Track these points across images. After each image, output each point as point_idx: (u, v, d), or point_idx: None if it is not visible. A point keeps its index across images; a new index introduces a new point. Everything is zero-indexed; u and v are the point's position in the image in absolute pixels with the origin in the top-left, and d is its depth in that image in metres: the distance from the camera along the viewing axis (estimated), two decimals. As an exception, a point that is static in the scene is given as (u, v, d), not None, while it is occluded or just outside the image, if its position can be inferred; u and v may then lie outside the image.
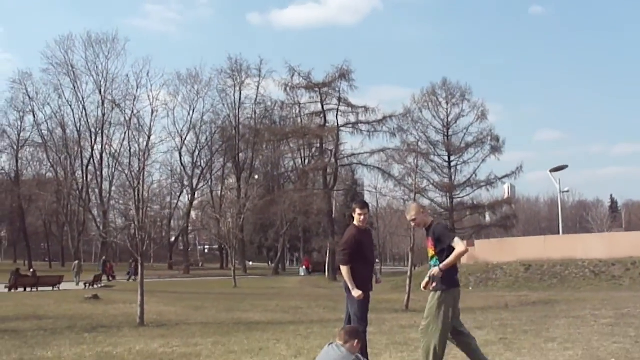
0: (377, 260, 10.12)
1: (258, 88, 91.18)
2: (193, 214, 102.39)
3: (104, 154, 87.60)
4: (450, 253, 8.62)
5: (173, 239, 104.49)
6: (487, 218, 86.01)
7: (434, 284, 8.78)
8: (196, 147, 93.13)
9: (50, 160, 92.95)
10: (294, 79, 73.00)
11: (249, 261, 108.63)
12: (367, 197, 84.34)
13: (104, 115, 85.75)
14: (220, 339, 14.81)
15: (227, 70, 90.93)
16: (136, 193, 20.82)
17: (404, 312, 23.67)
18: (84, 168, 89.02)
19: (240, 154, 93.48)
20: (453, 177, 78.41)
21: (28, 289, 42.60)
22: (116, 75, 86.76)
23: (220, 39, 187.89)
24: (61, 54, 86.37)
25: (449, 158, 78.53)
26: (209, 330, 17.27)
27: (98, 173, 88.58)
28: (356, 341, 7.73)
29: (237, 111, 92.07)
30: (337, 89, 71.66)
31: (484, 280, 43.14)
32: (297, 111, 78.36)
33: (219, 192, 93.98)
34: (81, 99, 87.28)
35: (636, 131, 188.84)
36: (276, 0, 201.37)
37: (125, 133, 79.49)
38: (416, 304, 26.98)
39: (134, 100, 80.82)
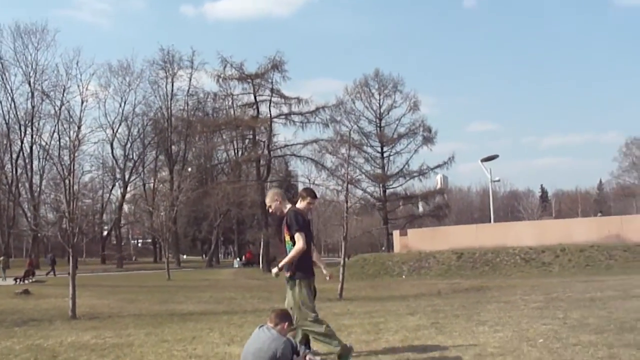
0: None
1: (190, 79, 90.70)
2: (126, 207, 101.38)
3: (34, 147, 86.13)
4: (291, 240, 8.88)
5: (105, 232, 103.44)
6: (420, 208, 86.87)
7: (288, 273, 8.88)
8: (128, 139, 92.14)
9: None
10: (226, 70, 72.80)
11: (183, 254, 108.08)
12: (300, 188, 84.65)
13: (33, 107, 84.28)
14: (154, 329, 14.78)
15: (159, 61, 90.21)
16: (66, 185, 20.60)
17: (338, 300, 23.79)
18: (14, 161, 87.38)
19: (173, 146, 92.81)
20: (386, 168, 79.28)
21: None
22: (46, 66, 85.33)
23: (153, 31, 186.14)
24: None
25: (382, 149, 79.32)
26: (142, 321, 17.20)
27: (28, 166, 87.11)
28: (286, 323, 7.75)
29: (169, 103, 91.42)
30: (269, 80, 71.70)
31: (417, 269, 43.59)
32: (230, 103, 78.23)
33: (152, 185, 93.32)
34: (9, 91, 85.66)
35: (566, 123, 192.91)
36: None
37: (55, 125, 78.59)
38: (349, 293, 27.30)
39: (64, 92, 79.82)
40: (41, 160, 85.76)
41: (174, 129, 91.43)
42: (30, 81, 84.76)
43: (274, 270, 8.92)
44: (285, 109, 72.81)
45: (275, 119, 72.52)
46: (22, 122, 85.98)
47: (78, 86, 74.09)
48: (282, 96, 72.06)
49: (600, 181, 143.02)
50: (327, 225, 70.51)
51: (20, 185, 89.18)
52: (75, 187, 22.75)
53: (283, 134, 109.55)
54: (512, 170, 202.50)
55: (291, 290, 8.95)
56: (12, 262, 75.29)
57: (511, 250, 42.77)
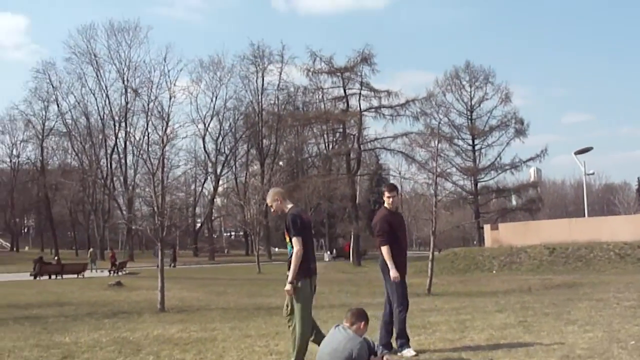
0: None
1: (280, 74, 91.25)
2: (218, 200, 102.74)
3: (127, 142, 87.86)
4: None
5: (198, 225, 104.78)
6: (513, 202, 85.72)
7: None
8: (220, 134, 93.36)
9: (75, 149, 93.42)
10: (315, 64, 72.80)
11: (275, 247, 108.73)
12: (392, 182, 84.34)
13: (127, 103, 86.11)
14: (239, 323, 14.81)
15: (250, 56, 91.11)
16: (155, 179, 20.83)
17: (426, 296, 23.50)
18: (108, 156, 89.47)
19: (264, 140, 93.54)
20: (477, 161, 78.28)
21: (53, 277, 42.94)
22: (138, 63, 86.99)
23: (244, 27, 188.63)
24: (84, 43, 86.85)
25: (473, 141, 78.37)
26: (228, 315, 17.28)
27: (122, 161, 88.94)
28: (363, 323, 7.58)
29: (260, 97, 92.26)
30: (359, 74, 71.39)
31: (507, 264, 42.85)
32: (320, 96, 78.11)
33: (243, 179, 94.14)
34: (104, 88, 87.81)
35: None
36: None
37: (146, 120, 79.95)
38: (438, 288, 26.99)
39: (156, 88, 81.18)
40: (135, 154, 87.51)
41: (265, 123, 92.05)
42: (123, 78, 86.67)
43: (287, 287, 8.69)
44: (375, 102, 72.49)
45: (365, 112, 72.28)
46: (116, 118, 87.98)
47: (165, 82, 75.41)
48: (371, 89, 71.72)
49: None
50: (417, 219, 69.89)
51: (115, 179, 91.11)
52: (166, 181, 23.02)
53: (373, 127, 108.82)
54: (608, 163, 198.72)
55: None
56: (107, 253, 77.02)
57: (605, 245, 41.66)
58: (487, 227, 55.62)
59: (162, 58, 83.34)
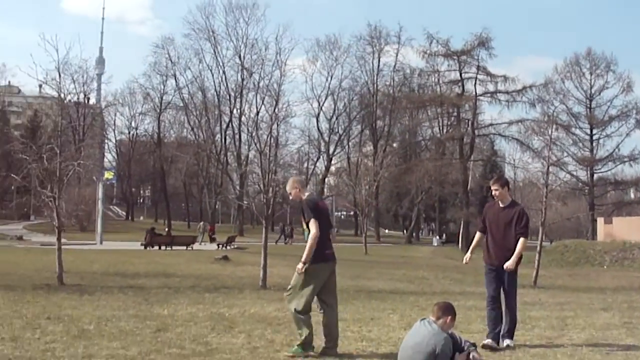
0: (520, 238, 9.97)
1: (397, 55, 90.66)
2: (330, 179, 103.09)
3: (242, 118, 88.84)
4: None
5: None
6: (631, 195, 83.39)
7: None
8: (334, 113, 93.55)
9: (191, 123, 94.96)
10: (432, 46, 72.33)
11: (385, 229, 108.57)
12: (506, 169, 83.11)
13: (243, 80, 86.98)
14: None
15: (367, 37, 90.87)
16: (262, 157, 20.94)
17: (531, 288, 22.97)
18: (223, 131, 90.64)
19: (378, 121, 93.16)
20: (594, 151, 76.24)
21: (162, 248, 43.78)
22: (255, 40, 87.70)
23: (361, 7, 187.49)
24: (202, 19, 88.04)
25: (591, 131, 76.48)
26: (328, 296, 17.19)
27: (236, 137, 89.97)
28: (449, 318, 7.34)
29: (375, 78, 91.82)
30: (475, 57, 70.64)
31: (619, 260, 41.64)
32: (435, 79, 77.56)
33: (356, 159, 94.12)
34: (221, 64, 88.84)
35: None
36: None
37: (262, 98, 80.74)
38: (545, 280, 26.42)
39: (272, 66, 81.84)
40: (250, 131, 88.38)
41: (380, 104, 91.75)
42: (240, 55, 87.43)
43: (299, 266, 8.88)
44: (491, 87, 71.67)
45: (480, 97, 71.47)
46: (232, 94, 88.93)
47: (277, 61, 76.07)
48: (488, 74, 70.83)
49: None
50: (527, 208, 68.68)
51: (229, 154, 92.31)
52: (278, 159, 23.08)
53: (488, 112, 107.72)
54: None
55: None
56: (218, 227, 78.30)
57: None
58: (600, 221, 54.26)
59: (278, 36, 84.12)
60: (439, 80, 77.02)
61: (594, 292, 21.90)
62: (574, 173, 76.65)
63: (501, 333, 9.97)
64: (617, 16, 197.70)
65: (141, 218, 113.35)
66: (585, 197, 78.66)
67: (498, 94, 70.83)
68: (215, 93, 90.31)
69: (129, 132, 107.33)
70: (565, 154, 73.19)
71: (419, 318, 7.58)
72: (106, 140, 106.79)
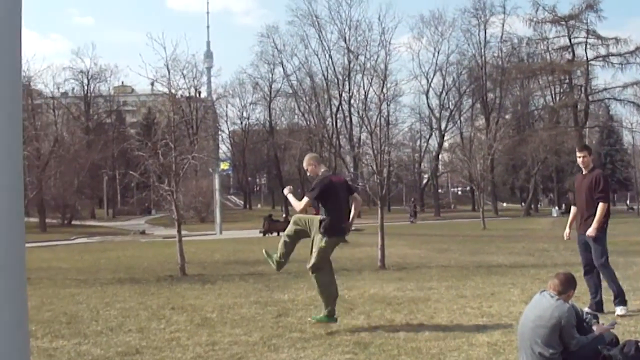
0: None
1: (503, 25, 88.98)
2: (445, 156, 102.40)
3: (352, 100, 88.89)
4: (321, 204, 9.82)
5: (425, 182, 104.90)
6: None
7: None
8: (443, 89, 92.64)
9: (301, 109, 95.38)
10: (538, 13, 70.91)
11: (502, 202, 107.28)
12: (623, 134, 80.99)
13: (349, 62, 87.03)
14: (456, 282, 14.65)
15: (471, 9, 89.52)
16: (373, 137, 20.93)
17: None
18: (333, 115, 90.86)
19: (488, 94, 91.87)
20: None
21: (281, 234, 44.18)
22: (359, 22, 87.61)
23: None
24: (305, 5, 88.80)
25: None
26: (447, 273, 17.11)
27: (347, 119, 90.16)
28: (571, 290, 7.13)
29: (482, 50, 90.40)
30: (584, 21, 68.81)
31: None
32: (544, 47, 76.01)
33: (468, 134, 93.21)
34: (327, 48, 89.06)
35: None
36: None
37: (370, 79, 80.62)
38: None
39: (377, 46, 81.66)
40: (360, 113, 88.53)
41: (489, 77, 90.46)
42: (345, 37, 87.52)
43: (285, 190, 10.45)
44: (602, 51, 69.83)
45: (592, 62, 69.72)
46: (340, 77, 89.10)
47: (382, 40, 75.85)
48: (598, 37, 69.02)
49: None
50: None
51: (341, 137, 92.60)
52: (390, 139, 23.05)
53: (601, 76, 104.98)
54: None
55: (318, 237, 9.69)
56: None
57: None
58: None
59: (381, 16, 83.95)
60: (548, 47, 75.56)
61: None
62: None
63: (613, 301, 9.86)
64: None
65: (258, 206, 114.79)
66: None
67: (610, 57, 68.97)
68: (323, 77, 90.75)
69: (241, 122, 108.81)
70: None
71: (539, 290, 7.42)
72: (219, 132, 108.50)
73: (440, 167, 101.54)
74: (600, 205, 10.20)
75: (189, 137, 49.69)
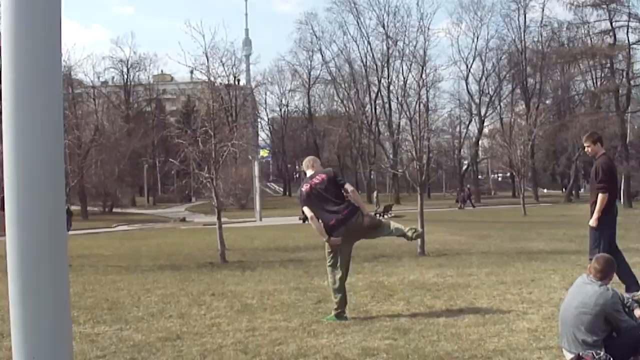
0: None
1: (543, 10, 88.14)
2: (485, 142, 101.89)
3: (391, 87, 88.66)
4: None
5: (464, 168, 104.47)
6: None
7: None
8: (482, 74, 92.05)
9: (340, 96, 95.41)
10: (579, -4, 69.96)
11: (543, 188, 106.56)
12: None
13: (388, 48, 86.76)
14: (496, 269, 14.60)
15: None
16: (413, 124, 20.91)
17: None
18: (372, 102, 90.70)
19: (528, 79, 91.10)
20: None
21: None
22: (397, 8, 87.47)
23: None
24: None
25: None
26: (487, 259, 17.05)
27: (386, 106, 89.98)
28: (612, 274, 7.06)
29: (522, 35, 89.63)
30: (626, 4, 67.77)
31: None
32: (585, 31, 75.05)
33: (508, 120, 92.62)
34: (365, 35, 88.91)
35: None
36: None
37: (409, 65, 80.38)
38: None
39: (416, 32, 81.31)
40: (399, 99, 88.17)
41: (529, 62, 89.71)
42: (383, 23, 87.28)
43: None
44: (644, 34, 68.73)
45: (634, 45, 68.75)
46: (379, 64, 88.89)
47: (421, 26, 75.59)
48: (640, 20, 67.99)
49: None
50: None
51: (380, 123, 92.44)
52: (429, 125, 22.99)
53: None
54: None
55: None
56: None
57: None
58: None
59: (419, 1, 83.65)
60: (588, 31, 74.60)
61: None
62: None
63: None
64: None
65: (298, 193, 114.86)
66: None
67: (653, 41, 68.20)
68: (362, 64, 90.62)
69: (280, 110, 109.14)
70: None
71: (580, 275, 7.35)
72: (259, 119, 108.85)
73: (480, 153, 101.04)
74: (600, 196, 10.20)
75: (228, 125, 49.87)
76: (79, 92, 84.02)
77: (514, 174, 63.15)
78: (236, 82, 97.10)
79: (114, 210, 73.23)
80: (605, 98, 78.27)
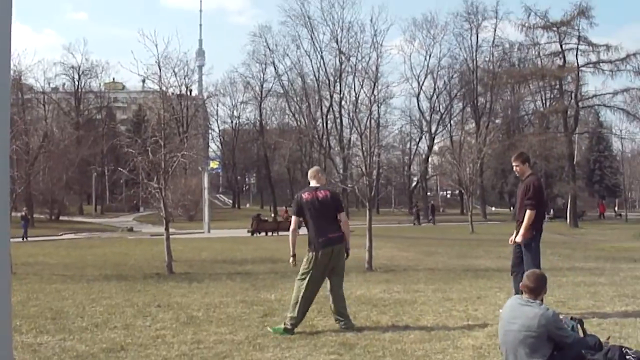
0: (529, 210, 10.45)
1: (495, 30, 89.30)
2: (434, 159, 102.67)
3: (342, 102, 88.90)
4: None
5: (414, 184, 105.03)
6: None
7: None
8: (434, 92, 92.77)
9: (292, 109, 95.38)
10: (530, 19, 70.95)
11: (491, 206, 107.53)
12: (612, 140, 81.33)
13: (341, 64, 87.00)
14: (443, 285, 14.70)
15: (463, 13, 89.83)
16: (363, 139, 20.98)
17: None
18: (324, 116, 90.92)
19: (479, 98, 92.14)
20: None
21: (269, 234, 44.30)
22: (351, 23, 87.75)
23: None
24: (298, 5, 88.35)
25: None
26: (434, 276, 17.17)
27: (338, 121, 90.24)
28: (545, 289, 7.01)
29: (474, 55, 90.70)
30: (576, 28, 68.76)
31: None
32: (536, 52, 76.10)
33: (459, 137, 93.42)
34: (319, 49, 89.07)
35: None
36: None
37: (361, 81, 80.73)
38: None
39: (369, 48, 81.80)
40: (350, 114, 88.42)
41: (480, 81, 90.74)
42: (337, 39, 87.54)
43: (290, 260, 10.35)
44: (593, 57, 69.71)
45: (582, 68, 69.70)
46: (331, 78, 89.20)
47: (374, 42, 76.05)
48: (589, 44, 68.95)
49: None
50: (633, 180, 67.27)
51: (331, 138, 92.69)
52: (380, 141, 23.10)
53: (592, 83, 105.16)
54: None
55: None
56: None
57: None
58: None
59: (374, 18, 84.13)
60: (539, 53, 75.55)
61: None
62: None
63: None
64: None
65: (247, 205, 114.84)
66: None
67: (601, 64, 68.90)
68: (314, 78, 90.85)
69: (232, 122, 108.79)
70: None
71: (512, 296, 7.29)
72: (210, 131, 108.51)
73: (429, 170, 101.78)
74: (528, 212, 10.44)
75: (178, 135, 49.69)
76: (29, 98, 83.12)
77: (463, 191, 63.62)
78: (188, 93, 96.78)
79: (61, 218, 72.30)
80: (554, 119, 79.32)
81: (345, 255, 9.94)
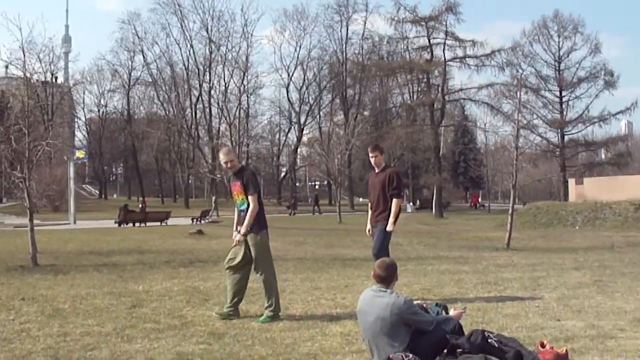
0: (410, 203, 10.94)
1: (365, 23, 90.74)
2: (303, 150, 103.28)
3: (212, 91, 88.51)
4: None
5: (282, 175, 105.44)
6: (602, 156, 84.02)
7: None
8: (303, 83, 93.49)
9: (160, 99, 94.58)
10: (400, 13, 72.20)
11: (359, 197, 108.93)
12: (477, 133, 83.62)
13: (211, 53, 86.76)
14: (311, 274, 14.89)
15: (334, 5, 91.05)
16: (232, 129, 20.99)
17: (505, 250, 23.29)
18: (193, 106, 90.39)
19: (348, 90, 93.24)
20: (564, 113, 76.46)
21: (137, 224, 43.76)
22: (222, 12, 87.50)
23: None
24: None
25: (560, 93, 76.62)
26: (303, 265, 17.32)
27: (207, 110, 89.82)
28: (396, 276, 7.05)
29: (344, 47, 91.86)
30: (444, 23, 70.53)
31: (591, 220, 41.78)
32: (404, 46, 77.59)
33: (327, 129, 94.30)
34: (188, 38, 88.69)
35: None
36: None
37: (231, 71, 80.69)
38: (518, 242, 26.69)
39: (240, 38, 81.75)
40: (220, 104, 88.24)
41: (349, 73, 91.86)
42: (207, 27, 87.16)
43: (238, 237, 9.52)
44: (459, 52, 71.72)
45: (449, 62, 71.54)
46: (201, 68, 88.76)
47: (244, 32, 76.13)
48: (456, 39, 70.80)
49: None
50: (496, 172, 69.21)
51: (200, 128, 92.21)
52: (250, 131, 23.07)
53: (458, 77, 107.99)
54: None
55: (251, 243, 9.49)
56: (192, 202, 78.29)
57: (697, 202, 40.34)
58: (571, 182, 54.58)
59: (244, 7, 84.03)
60: (407, 47, 77.03)
61: (566, 252, 22.15)
62: (545, 135, 76.81)
63: None
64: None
65: (114, 196, 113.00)
66: (556, 159, 78.81)
67: (467, 59, 70.90)
68: (183, 67, 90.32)
69: (99, 110, 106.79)
70: (535, 116, 73.73)
71: (366, 289, 7.34)
72: (76, 119, 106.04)
73: (298, 160, 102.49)
74: (395, 200, 10.88)
75: (43, 123, 48.51)
76: None
77: (331, 182, 64.31)
78: (54, 80, 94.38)
79: None
80: (421, 111, 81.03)
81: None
